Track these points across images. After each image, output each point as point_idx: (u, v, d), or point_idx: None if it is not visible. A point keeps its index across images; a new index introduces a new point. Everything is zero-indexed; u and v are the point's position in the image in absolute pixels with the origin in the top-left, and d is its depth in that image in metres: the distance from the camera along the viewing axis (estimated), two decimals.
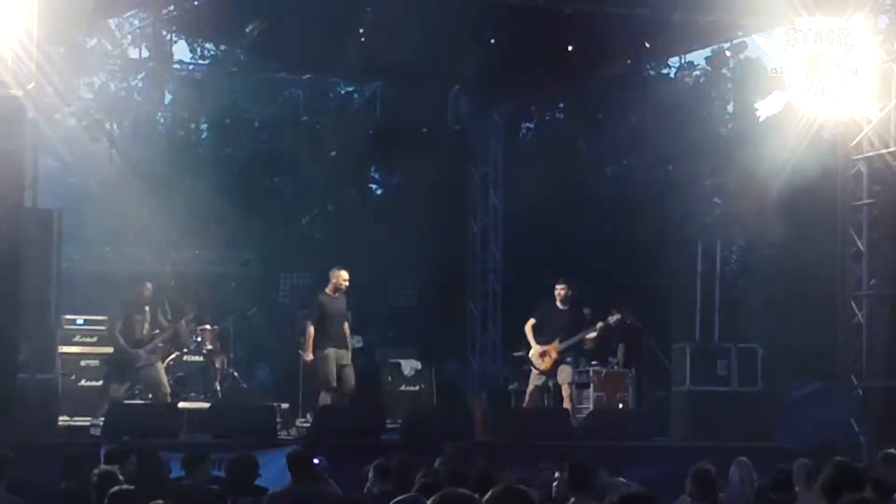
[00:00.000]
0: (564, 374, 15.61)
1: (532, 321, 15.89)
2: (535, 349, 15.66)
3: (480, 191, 20.76)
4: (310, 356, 15.06)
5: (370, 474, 9.56)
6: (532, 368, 15.76)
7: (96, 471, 8.38)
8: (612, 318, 15.65)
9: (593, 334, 15.68)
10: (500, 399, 17.57)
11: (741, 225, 18.22)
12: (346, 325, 15.36)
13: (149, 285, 14.84)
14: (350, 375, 15.14)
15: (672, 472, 11.51)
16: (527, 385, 16.00)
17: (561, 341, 15.53)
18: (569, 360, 15.63)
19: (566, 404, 15.58)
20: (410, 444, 13.20)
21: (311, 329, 15.07)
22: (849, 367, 15.06)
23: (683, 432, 15.19)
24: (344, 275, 15.20)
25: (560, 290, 15.74)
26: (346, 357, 15.22)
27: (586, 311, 16.10)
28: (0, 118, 12.71)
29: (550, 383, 15.70)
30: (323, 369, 15.03)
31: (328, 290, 15.25)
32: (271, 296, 19.42)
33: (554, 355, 15.55)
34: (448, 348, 20.18)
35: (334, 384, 14.97)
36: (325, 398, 15.08)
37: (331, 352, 15.02)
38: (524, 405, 16.04)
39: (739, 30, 16.65)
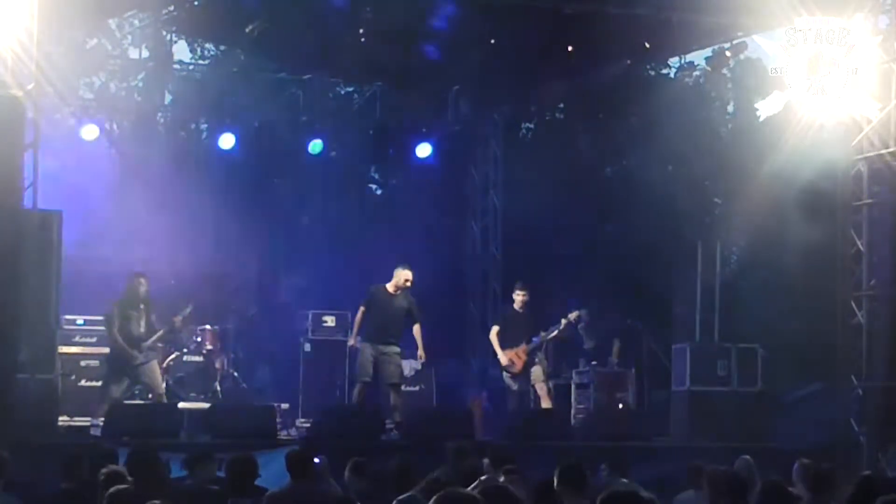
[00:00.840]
0: (536, 373, 15.77)
1: (496, 328, 16.07)
2: (503, 355, 15.74)
3: (480, 191, 20.75)
4: (351, 341, 15.28)
5: (346, 473, 9.63)
6: (504, 374, 15.82)
7: (104, 470, 8.35)
8: (572, 315, 15.84)
9: (554, 333, 15.82)
10: (500, 399, 17.57)
11: (741, 225, 18.22)
12: (417, 327, 15.25)
13: (143, 280, 14.81)
14: (389, 371, 14.90)
15: (672, 473, 11.52)
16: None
17: (528, 343, 15.66)
18: (537, 359, 15.75)
19: (545, 403, 15.66)
20: (410, 444, 13.21)
21: (358, 316, 15.20)
22: (849, 367, 15.06)
23: (683, 432, 15.19)
24: (405, 273, 15.10)
25: (520, 294, 15.90)
26: (389, 352, 14.93)
27: (583, 311, 16.17)
28: (0, 118, 12.70)
29: (523, 388, 15.79)
30: (359, 360, 15.12)
31: (389, 285, 15.16)
32: (271, 296, 19.39)
33: (523, 357, 15.67)
34: (448, 348, 20.15)
35: (367, 378, 14.94)
36: (354, 390, 15.23)
37: (367, 345, 14.98)
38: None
39: (739, 30, 16.64)
